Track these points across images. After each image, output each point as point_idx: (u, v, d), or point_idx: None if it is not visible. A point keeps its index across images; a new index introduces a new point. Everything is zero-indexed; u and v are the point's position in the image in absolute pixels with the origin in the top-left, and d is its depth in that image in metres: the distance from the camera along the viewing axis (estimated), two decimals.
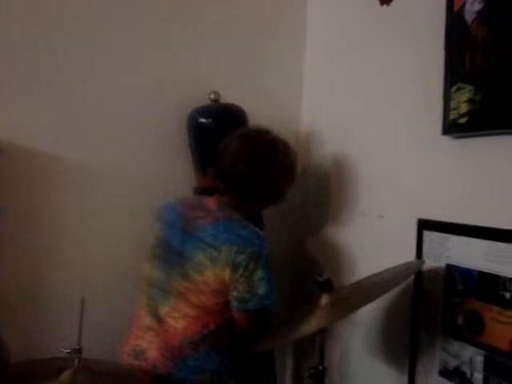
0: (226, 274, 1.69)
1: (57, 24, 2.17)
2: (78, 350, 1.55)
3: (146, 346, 1.79)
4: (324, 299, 1.59)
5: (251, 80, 2.45)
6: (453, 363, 1.62)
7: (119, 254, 2.17)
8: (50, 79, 2.17)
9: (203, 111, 2.20)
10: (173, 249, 1.83)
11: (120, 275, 2.14)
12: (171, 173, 2.31)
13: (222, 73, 2.40)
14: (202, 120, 2.19)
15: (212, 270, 1.71)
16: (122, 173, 2.28)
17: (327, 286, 1.61)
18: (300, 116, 2.57)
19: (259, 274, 1.70)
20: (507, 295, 1.45)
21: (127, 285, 1.99)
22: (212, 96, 2.20)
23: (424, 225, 1.76)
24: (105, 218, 2.24)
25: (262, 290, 1.71)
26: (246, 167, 1.82)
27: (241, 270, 1.69)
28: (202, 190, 2.12)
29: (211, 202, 1.85)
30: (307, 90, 2.56)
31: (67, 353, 1.55)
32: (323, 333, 1.62)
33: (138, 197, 2.26)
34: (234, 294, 1.71)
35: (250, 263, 1.69)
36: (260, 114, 2.23)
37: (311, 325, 1.51)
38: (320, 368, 1.60)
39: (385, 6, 2.01)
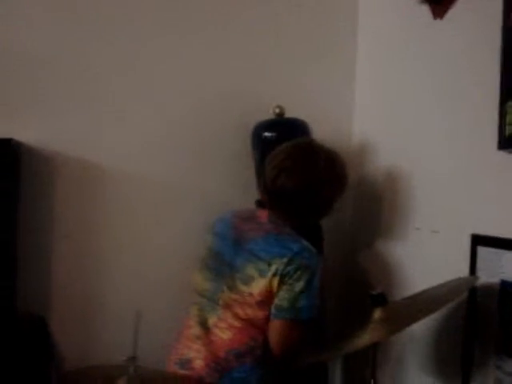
0: (275, 284, 1.70)
1: (114, 34, 2.21)
2: (133, 359, 1.59)
3: (192, 356, 1.80)
4: (377, 313, 1.58)
5: (308, 93, 2.46)
6: (508, 381, 1.60)
7: (174, 267, 2.21)
8: (106, 90, 2.20)
9: (268, 125, 2.23)
10: (223, 260, 1.85)
11: (174, 287, 2.17)
12: (234, 186, 2.32)
13: (282, 87, 2.42)
14: (267, 134, 2.21)
15: (260, 281, 1.72)
16: (182, 186, 2.30)
17: (381, 300, 1.60)
18: (352, 128, 2.57)
19: (301, 285, 1.70)
20: None
21: (181, 297, 2.02)
22: (277, 110, 2.22)
23: (478, 240, 1.74)
24: (163, 229, 2.27)
25: (300, 302, 1.70)
26: (287, 181, 1.82)
27: (287, 278, 1.70)
28: (264, 204, 2.14)
29: (263, 215, 1.87)
30: (360, 102, 2.55)
31: (123, 360, 1.59)
32: (376, 347, 1.61)
33: (198, 211, 2.28)
34: (275, 301, 1.72)
35: (296, 273, 1.70)
36: (319, 127, 2.24)
37: (364, 339, 1.50)
38: (372, 382, 1.60)
39: (438, 19, 2.00)
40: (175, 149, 2.29)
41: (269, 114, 2.23)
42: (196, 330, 1.84)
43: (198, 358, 1.79)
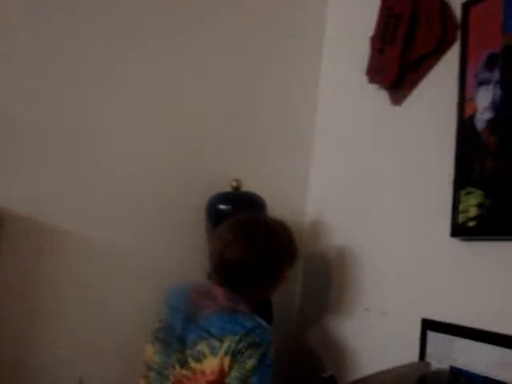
0: (226, 363, 1.65)
1: (62, 86, 2.17)
2: None
3: None
4: None
5: (265, 171, 2.49)
6: None
7: (121, 336, 2.12)
8: (58, 149, 2.16)
9: (224, 198, 2.23)
10: (175, 334, 1.79)
11: (120, 358, 2.08)
12: (184, 256, 2.28)
13: (241, 162, 2.46)
14: (222, 206, 2.21)
15: (211, 359, 1.66)
16: (133, 251, 2.25)
17: (331, 383, 1.57)
18: (305, 206, 2.60)
19: (253, 363, 1.63)
20: None
21: (127, 367, 1.93)
22: (234, 183, 2.24)
23: (428, 325, 1.75)
24: (109, 297, 2.19)
25: (251, 380, 1.63)
26: (229, 254, 1.81)
27: (238, 356, 1.64)
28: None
29: (219, 291, 1.84)
30: (315, 180, 2.60)
31: None
32: None
33: (148, 276, 2.23)
34: (226, 380, 1.65)
35: (248, 350, 1.64)
36: (273, 204, 2.26)
37: None
38: None
39: (396, 106, 2.09)
40: (129, 215, 2.25)
41: (227, 187, 2.24)
42: None
43: None
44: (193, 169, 2.35)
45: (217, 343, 1.66)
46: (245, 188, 2.27)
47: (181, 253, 2.29)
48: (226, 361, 1.64)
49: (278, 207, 2.30)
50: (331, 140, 2.54)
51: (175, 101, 2.36)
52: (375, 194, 2.15)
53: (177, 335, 1.77)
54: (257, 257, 1.82)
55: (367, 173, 2.22)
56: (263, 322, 1.72)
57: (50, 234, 2.12)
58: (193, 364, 1.69)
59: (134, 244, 2.25)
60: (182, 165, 2.34)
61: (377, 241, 2.08)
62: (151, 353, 1.83)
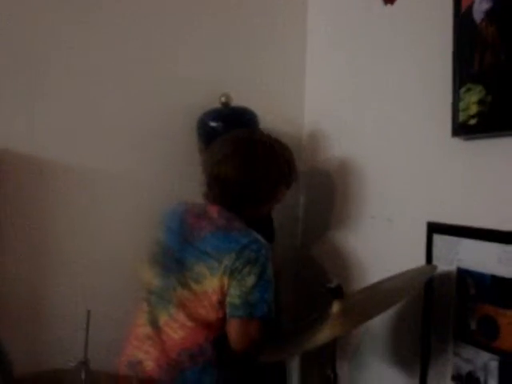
0: (225, 282, 1.66)
1: (59, 26, 2.13)
2: (85, 363, 1.52)
3: (143, 357, 1.75)
4: (335, 306, 1.55)
5: (257, 82, 2.42)
6: (466, 368, 1.60)
7: (125, 263, 2.12)
8: (51, 82, 2.13)
9: (214, 115, 2.16)
10: (173, 256, 1.79)
11: (125, 285, 2.09)
12: (180, 177, 2.26)
13: (230, 74, 2.37)
14: (213, 124, 2.15)
15: (211, 279, 1.67)
16: (127, 178, 2.24)
17: (338, 293, 1.57)
18: (303, 117, 2.54)
19: (252, 280, 1.65)
20: None
21: (133, 294, 1.94)
22: (223, 99, 2.16)
23: (434, 228, 1.73)
24: (109, 225, 2.21)
25: (252, 297, 1.66)
26: (225, 170, 1.79)
27: (236, 274, 1.65)
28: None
29: (214, 210, 1.81)
30: (311, 91, 2.53)
31: (74, 365, 1.52)
32: (336, 341, 1.58)
33: (143, 202, 2.22)
34: (228, 299, 1.67)
35: (246, 268, 1.65)
36: (268, 117, 2.20)
37: (325, 334, 1.47)
38: (332, 375, 1.57)
39: (389, 5, 1.98)
40: (118, 139, 2.22)
41: (216, 104, 2.18)
42: (146, 329, 1.78)
43: (148, 360, 1.74)
44: (181, 88, 2.28)
45: (215, 263, 1.66)
46: (237, 103, 2.20)
47: (174, 176, 2.27)
48: (225, 279, 1.65)
49: (273, 121, 2.25)
50: (325, 46, 2.45)
51: (162, 18, 2.29)
52: (374, 99, 2.08)
53: (175, 257, 1.77)
54: (253, 175, 1.80)
55: (364, 77, 2.15)
56: (259, 237, 1.71)
57: (46, 168, 2.12)
58: (193, 285, 1.69)
59: (127, 170, 2.24)
60: (169, 85, 2.27)
61: (378, 148, 2.04)
62: (151, 277, 1.83)
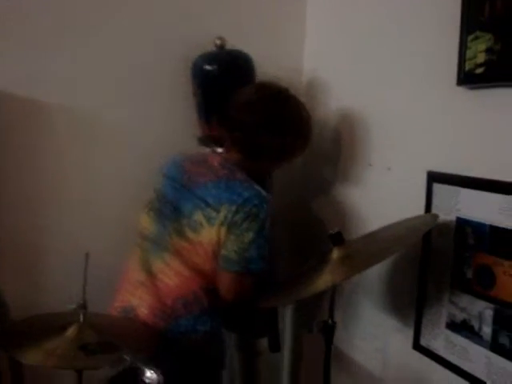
0: (222, 234, 1.65)
1: None
2: (83, 306, 1.53)
3: (136, 303, 1.75)
4: (336, 253, 1.55)
5: (255, 26, 2.36)
6: (461, 317, 1.62)
7: (122, 208, 2.11)
8: (50, 26, 2.08)
9: (208, 58, 2.11)
10: (170, 203, 1.78)
11: (122, 228, 2.08)
12: (174, 122, 2.23)
13: (227, 17, 2.30)
14: (208, 67, 2.09)
15: (208, 230, 1.66)
16: (124, 123, 2.20)
17: (338, 239, 1.57)
18: (302, 64, 2.49)
19: (250, 235, 1.65)
20: None
21: (129, 238, 1.94)
22: (217, 42, 2.11)
23: (434, 177, 1.73)
24: (107, 171, 2.19)
25: (249, 253, 1.66)
26: (254, 118, 1.76)
27: (234, 228, 1.64)
28: (205, 139, 2.05)
29: (215, 160, 1.79)
30: (310, 37, 2.48)
31: (73, 308, 1.52)
32: (334, 287, 1.59)
33: (140, 147, 2.20)
34: (222, 252, 1.67)
35: (245, 222, 1.64)
36: (266, 62, 2.15)
37: (325, 280, 1.48)
38: (330, 322, 1.59)
39: None
40: (114, 83, 2.18)
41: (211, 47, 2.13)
42: (140, 274, 1.78)
43: (142, 306, 1.74)
44: (176, 29, 2.23)
45: (213, 213, 1.64)
46: (232, 47, 2.15)
47: (169, 121, 2.24)
48: (223, 231, 1.64)
49: (271, 67, 2.20)
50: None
51: None
52: (375, 44, 2.04)
53: (173, 205, 1.76)
54: (276, 130, 1.78)
55: (366, 22, 2.10)
56: (262, 191, 1.69)
57: (44, 111, 2.09)
58: (190, 234, 1.68)
59: (122, 115, 2.20)
60: (164, 26, 2.22)
61: (379, 95, 2.00)
62: (146, 223, 1.82)
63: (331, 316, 1.59)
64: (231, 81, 1.95)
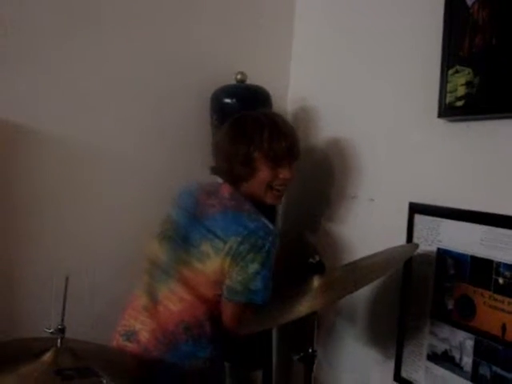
0: (226, 264, 1.66)
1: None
2: (62, 330, 1.50)
3: (138, 328, 1.76)
4: (316, 281, 1.56)
5: (245, 62, 2.39)
6: (441, 347, 1.62)
7: (105, 235, 2.12)
8: (52, 51, 2.09)
9: (228, 91, 2.19)
10: (182, 233, 1.80)
11: (106, 258, 2.08)
12: (191, 155, 2.26)
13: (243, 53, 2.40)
14: (227, 100, 2.17)
15: (214, 260, 1.68)
16: (139, 156, 2.23)
17: (319, 268, 1.58)
18: (286, 95, 2.53)
19: (255, 267, 1.66)
20: (500, 280, 1.45)
21: (111, 267, 1.93)
22: (238, 76, 2.19)
23: (415, 208, 1.75)
24: (99, 197, 2.19)
25: (253, 284, 1.67)
26: (230, 142, 1.81)
27: (239, 259, 1.65)
28: (217, 171, 2.07)
29: (225, 190, 1.81)
30: (296, 69, 2.53)
31: (50, 333, 1.50)
32: (315, 315, 1.59)
33: (154, 180, 2.22)
34: (227, 282, 1.68)
35: (250, 254, 1.65)
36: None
37: (304, 306, 1.48)
38: (310, 351, 1.58)
39: None
40: (131, 116, 2.20)
41: (231, 80, 2.19)
42: (144, 300, 1.79)
43: (144, 330, 1.74)
44: (195, 64, 2.28)
45: (221, 244, 1.67)
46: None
47: (187, 153, 2.27)
48: (228, 261, 1.66)
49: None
50: (313, 25, 2.46)
51: None
52: (359, 78, 2.08)
53: (182, 234, 1.78)
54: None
55: (350, 56, 2.15)
56: (268, 223, 1.71)
57: (43, 141, 2.08)
58: (196, 264, 1.70)
59: (138, 144, 2.22)
60: (183, 60, 2.28)
61: (362, 126, 2.04)
62: (157, 250, 1.84)
63: (311, 345, 1.58)
64: None
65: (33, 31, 2.04)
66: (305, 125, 2.37)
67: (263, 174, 1.81)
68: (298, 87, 2.51)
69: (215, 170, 1.89)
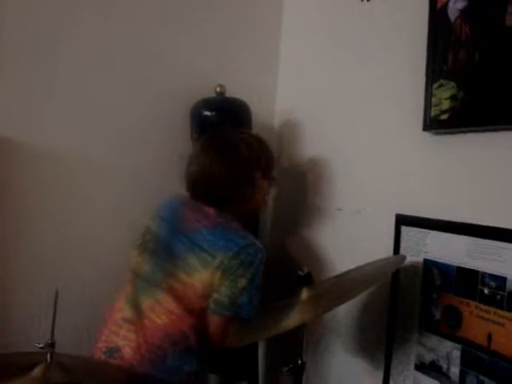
0: (216, 278, 1.68)
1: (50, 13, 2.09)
2: (51, 345, 1.50)
3: (121, 344, 1.72)
4: (305, 293, 1.57)
5: (230, 72, 2.42)
6: (429, 358, 1.64)
7: (96, 248, 2.12)
8: (37, 66, 2.09)
9: (208, 104, 2.19)
10: (164, 245, 1.80)
11: (94, 269, 2.08)
12: (170, 166, 2.23)
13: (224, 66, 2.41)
14: (206, 113, 2.17)
15: (202, 273, 1.69)
16: (118, 166, 2.23)
17: (308, 280, 1.59)
18: (274, 109, 2.55)
19: (243, 282, 1.69)
20: (485, 290, 1.47)
21: (101, 278, 1.93)
22: (218, 89, 2.20)
23: (402, 220, 1.77)
24: (85, 208, 2.19)
25: (240, 299, 1.69)
26: (209, 167, 1.81)
27: (229, 273, 1.68)
28: None
29: (210, 209, 1.82)
30: (282, 81, 2.55)
31: (40, 347, 1.50)
32: (303, 327, 1.60)
33: (133, 191, 2.22)
34: (215, 295, 1.70)
35: (240, 269, 1.68)
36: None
37: (293, 319, 1.49)
38: (299, 363, 1.59)
39: (365, 1, 2.01)
40: (110, 126, 2.21)
41: (210, 93, 2.20)
42: (127, 312, 1.76)
43: (127, 346, 1.71)
44: (175, 76, 2.29)
45: (209, 258, 1.68)
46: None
47: (166, 165, 2.27)
48: (217, 275, 1.67)
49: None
50: (299, 41, 2.48)
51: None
52: (345, 91, 2.11)
53: (167, 246, 1.78)
54: (228, 170, 1.81)
55: (336, 70, 2.17)
56: (257, 242, 1.74)
57: (24, 153, 2.08)
58: (183, 276, 1.71)
59: (118, 156, 2.22)
60: (163, 72, 2.28)
61: (348, 139, 2.07)
62: (140, 262, 1.83)
63: (300, 356, 1.59)
64: (228, 127, 2.03)
65: (19, 44, 2.05)
66: (290, 138, 2.40)
67: (263, 188, 1.92)
68: (283, 101, 2.54)
69: (201, 196, 1.86)
